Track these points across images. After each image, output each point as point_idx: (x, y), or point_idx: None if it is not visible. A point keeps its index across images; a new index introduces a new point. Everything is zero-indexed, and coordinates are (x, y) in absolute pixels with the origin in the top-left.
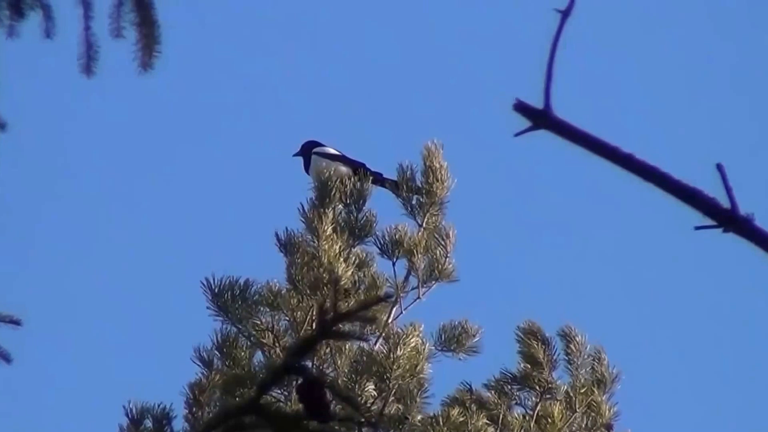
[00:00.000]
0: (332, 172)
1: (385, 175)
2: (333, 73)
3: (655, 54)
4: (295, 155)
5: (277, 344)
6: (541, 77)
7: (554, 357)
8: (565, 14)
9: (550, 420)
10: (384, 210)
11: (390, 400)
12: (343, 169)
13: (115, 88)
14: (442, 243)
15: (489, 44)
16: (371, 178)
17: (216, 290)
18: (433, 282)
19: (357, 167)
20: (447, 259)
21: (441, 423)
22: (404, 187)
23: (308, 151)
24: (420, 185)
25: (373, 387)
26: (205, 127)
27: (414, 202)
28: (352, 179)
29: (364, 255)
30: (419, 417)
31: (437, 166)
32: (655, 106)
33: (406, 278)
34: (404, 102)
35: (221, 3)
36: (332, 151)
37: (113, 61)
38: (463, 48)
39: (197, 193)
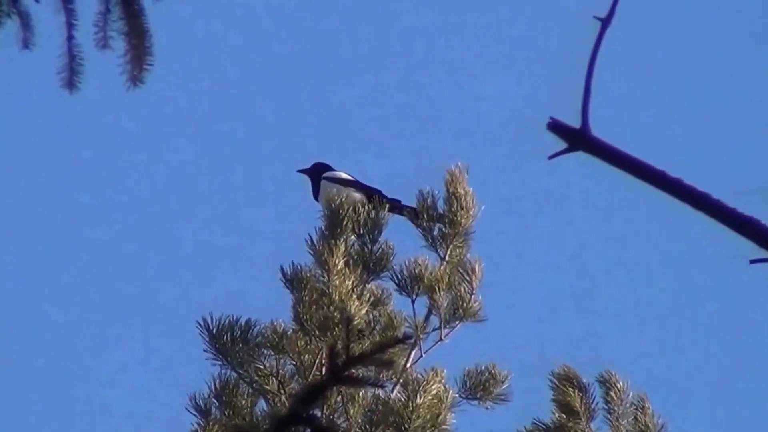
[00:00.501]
0: (344, 199)
1: (403, 203)
2: (345, 90)
3: (705, 67)
4: (300, 171)
5: (282, 391)
6: (578, 93)
7: (592, 406)
8: (605, 22)
9: None
10: (402, 241)
11: None
12: (357, 195)
13: (101, 104)
14: (467, 278)
15: (518, 57)
16: (388, 205)
17: (214, 331)
18: (457, 322)
19: (371, 194)
20: (472, 296)
21: None
22: (425, 215)
23: (317, 174)
24: (442, 214)
25: None
26: (202, 147)
27: (436, 232)
28: (366, 207)
29: (380, 292)
30: None
31: (461, 192)
32: (703, 125)
33: (427, 317)
34: (425, 122)
35: (222, 11)
36: (344, 175)
37: (99, 74)
38: (490, 61)
39: (191, 221)
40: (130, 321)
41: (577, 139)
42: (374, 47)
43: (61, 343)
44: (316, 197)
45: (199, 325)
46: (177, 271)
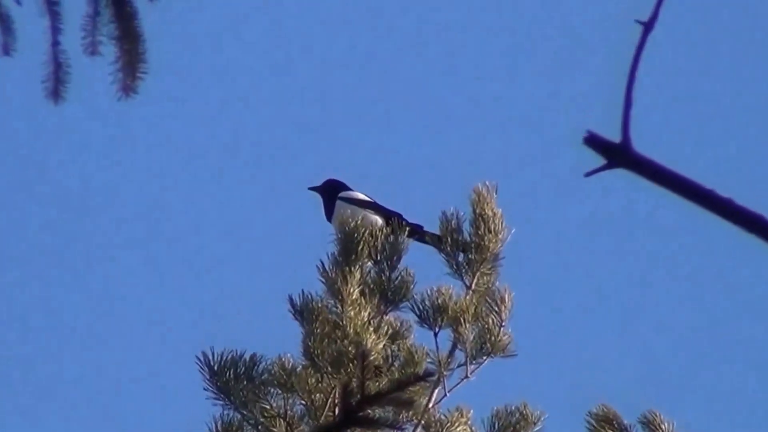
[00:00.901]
0: (360, 222)
1: (425, 229)
2: (360, 104)
3: (761, 77)
4: (312, 189)
5: None
6: (618, 104)
7: None
8: (648, 26)
9: None
10: (424, 268)
11: None
12: (374, 217)
13: (90, 117)
14: (496, 309)
15: (551, 65)
16: (408, 229)
17: (215, 367)
18: (485, 357)
19: (390, 216)
20: (501, 328)
21: None
22: (448, 240)
23: (330, 192)
24: (468, 238)
25: None
26: (202, 164)
27: (461, 258)
28: (384, 230)
29: (399, 324)
30: None
31: (489, 214)
32: (759, 141)
33: (451, 352)
34: (448, 138)
35: (225, 12)
36: (361, 196)
37: (87, 84)
38: (520, 70)
39: (187, 244)
40: (121, 357)
41: (617, 154)
42: (393, 55)
43: (52, 381)
44: (329, 218)
45: (199, 360)
46: (173, 302)
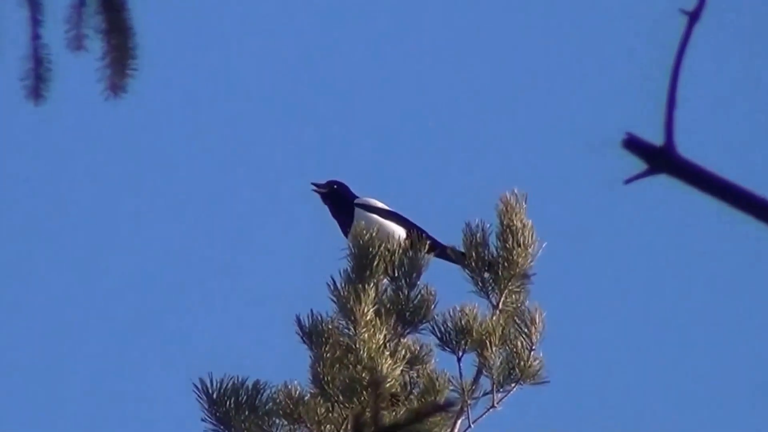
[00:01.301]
0: (375, 234)
1: (447, 245)
2: (374, 105)
3: None
4: (315, 187)
5: None
6: (661, 103)
7: None
8: (694, 17)
9: None
10: (445, 286)
11: None
12: (392, 229)
13: (74, 119)
14: (525, 330)
15: (587, 60)
16: (428, 242)
17: (214, 395)
18: (513, 384)
19: (409, 228)
20: (532, 352)
21: None
22: (473, 254)
23: (339, 197)
24: (495, 252)
25: None
26: (199, 169)
27: (487, 275)
28: (403, 243)
29: (418, 347)
30: None
31: (518, 225)
32: None
33: (476, 379)
34: (473, 142)
35: (224, 4)
36: (377, 203)
37: (72, 82)
38: (552, 66)
39: (181, 259)
40: (111, 383)
41: (660, 158)
42: (415, 54)
43: (43, 408)
44: (345, 232)
45: (196, 388)
46: (168, 323)
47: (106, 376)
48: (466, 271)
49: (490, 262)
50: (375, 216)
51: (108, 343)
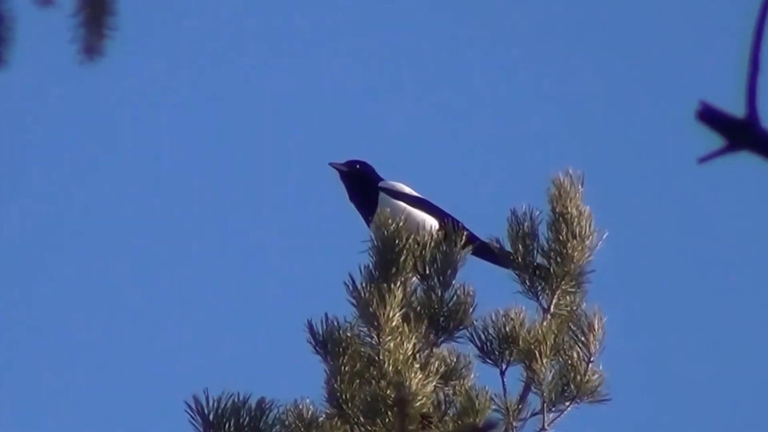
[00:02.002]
0: (403, 223)
1: (488, 241)
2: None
3: None
4: (334, 166)
5: None
6: (742, 69)
7: None
8: None
9: None
10: (486, 285)
11: None
12: (422, 218)
13: (42, 87)
14: (582, 339)
15: (652, 18)
16: (466, 234)
17: (211, 416)
18: (568, 403)
19: (442, 217)
20: (590, 364)
21: None
22: (520, 248)
23: (361, 179)
24: (547, 245)
25: None
26: (197, 150)
27: (536, 273)
28: (436, 235)
29: (454, 359)
30: None
31: (574, 213)
32: None
33: (524, 396)
34: (518, 114)
35: None
36: (404, 188)
37: (39, 44)
38: (612, 27)
39: (175, 254)
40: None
41: (740, 133)
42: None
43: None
44: (368, 220)
45: (189, 408)
46: (157, 328)
47: (82, 387)
48: (511, 268)
49: (539, 258)
50: (402, 203)
51: (87, 354)
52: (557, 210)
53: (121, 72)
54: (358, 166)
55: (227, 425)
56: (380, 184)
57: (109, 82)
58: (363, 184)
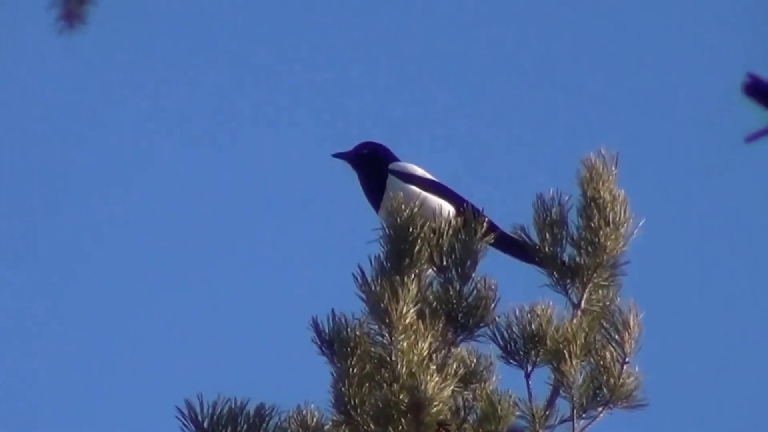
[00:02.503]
0: (418, 209)
1: (510, 231)
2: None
3: None
4: (338, 156)
5: None
6: None
7: None
8: None
9: None
10: (509, 278)
11: None
12: (438, 203)
13: (18, 59)
14: (617, 337)
15: None
16: (486, 221)
17: (205, 424)
18: (600, 408)
19: (460, 203)
20: (625, 366)
21: None
22: (546, 238)
23: (371, 162)
24: (577, 234)
25: None
26: (188, 127)
27: (565, 263)
28: (454, 222)
29: (474, 360)
30: None
31: (607, 197)
32: None
33: (551, 402)
34: (546, 89)
35: None
36: (417, 171)
37: (14, 11)
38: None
39: (169, 245)
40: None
41: None
42: None
43: None
44: (374, 202)
45: (182, 414)
46: (147, 330)
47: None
48: (537, 260)
49: (569, 248)
50: (414, 187)
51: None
52: (588, 194)
53: (117, 64)
54: (365, 151)
55: None
56: (390, 166)
57: (103, 69)
58: (372, 168)
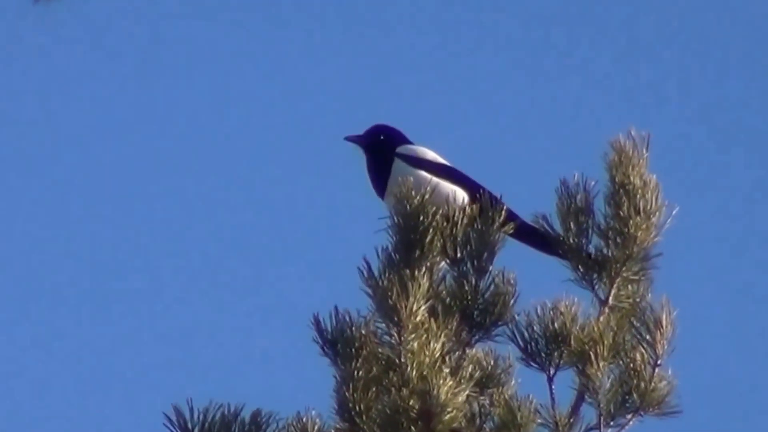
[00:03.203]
0: (429, 195)
1: (530, 222)
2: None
3: None
4: (350, 139)
5: None
6: None
7: None
8: None
9: None
10: (530, 272)
11: None
12: (451, 189)
13: None
14: (648, 337)
15: None
16: (505, 209)
17: (196, 431)
18: (629, 415)
19: (475, 189)
20: (657, 368)
21: None
22: (571, 227)
23: (381, 147)
24: (605, 223)
25: None
26: (183, 119)
27: (591, 256)
28: (468, 211)
29: (491, 361)
30: None
31: (637, 183)
32: None
33: (576, 408)
34: (566, 66)
35: None
36: (428, 154)
37: None
38: None
39: (163, 237)
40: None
41: None
42: None
43: None
44: (379, 190)
45: (170, 421)
46: (136, 329)
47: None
48: (560, 252)
49: (595, 238)
50: (423, 172)
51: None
52: (617, 180)
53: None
54: (382, 137)
55: None
56: (398, 149)
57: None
58: (380, 152)
